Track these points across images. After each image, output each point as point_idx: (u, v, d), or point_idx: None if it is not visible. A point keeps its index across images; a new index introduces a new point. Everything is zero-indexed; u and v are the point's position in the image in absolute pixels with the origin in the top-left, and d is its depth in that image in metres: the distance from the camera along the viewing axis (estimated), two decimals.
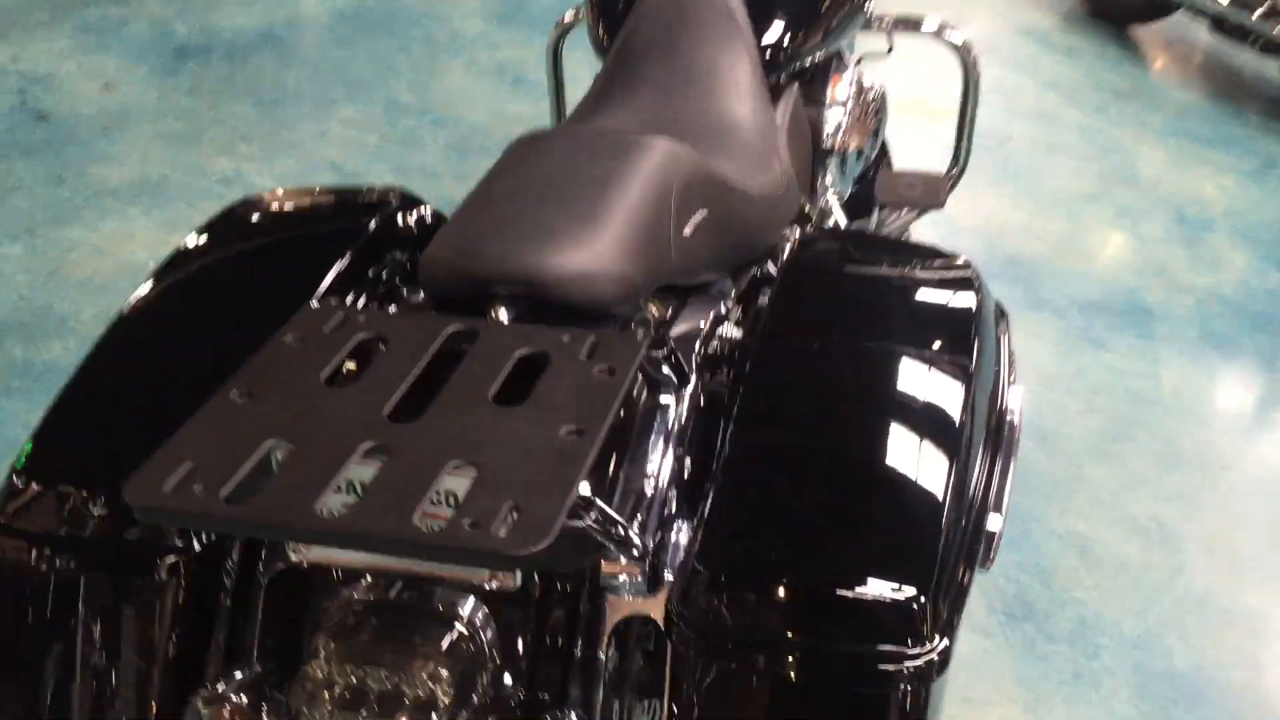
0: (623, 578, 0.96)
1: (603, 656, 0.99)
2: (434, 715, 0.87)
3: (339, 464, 0.81)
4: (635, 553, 0.94)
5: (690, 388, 1.09)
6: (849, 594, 0.88)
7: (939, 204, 2.20)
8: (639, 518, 0.99)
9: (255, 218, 1.33)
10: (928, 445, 1.00)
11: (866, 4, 1.93)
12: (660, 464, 1.04)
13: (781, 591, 0.88)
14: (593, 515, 0.87)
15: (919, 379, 1.07)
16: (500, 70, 3.70)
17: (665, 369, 1.06)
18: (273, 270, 1.26)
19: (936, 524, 0.93)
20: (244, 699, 0.98)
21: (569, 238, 1.05)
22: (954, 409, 1.04)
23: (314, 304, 1.04)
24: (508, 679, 0.97)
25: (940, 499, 0.95)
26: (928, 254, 1.27)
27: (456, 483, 0.81)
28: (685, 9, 1.62)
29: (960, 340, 1.11)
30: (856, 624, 0.87)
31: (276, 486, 0.79)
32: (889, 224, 2.37)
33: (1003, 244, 3.41)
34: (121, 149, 2.85)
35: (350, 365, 0.97)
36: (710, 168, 1.27)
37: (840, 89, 1.91)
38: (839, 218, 2.02)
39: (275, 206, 1.36)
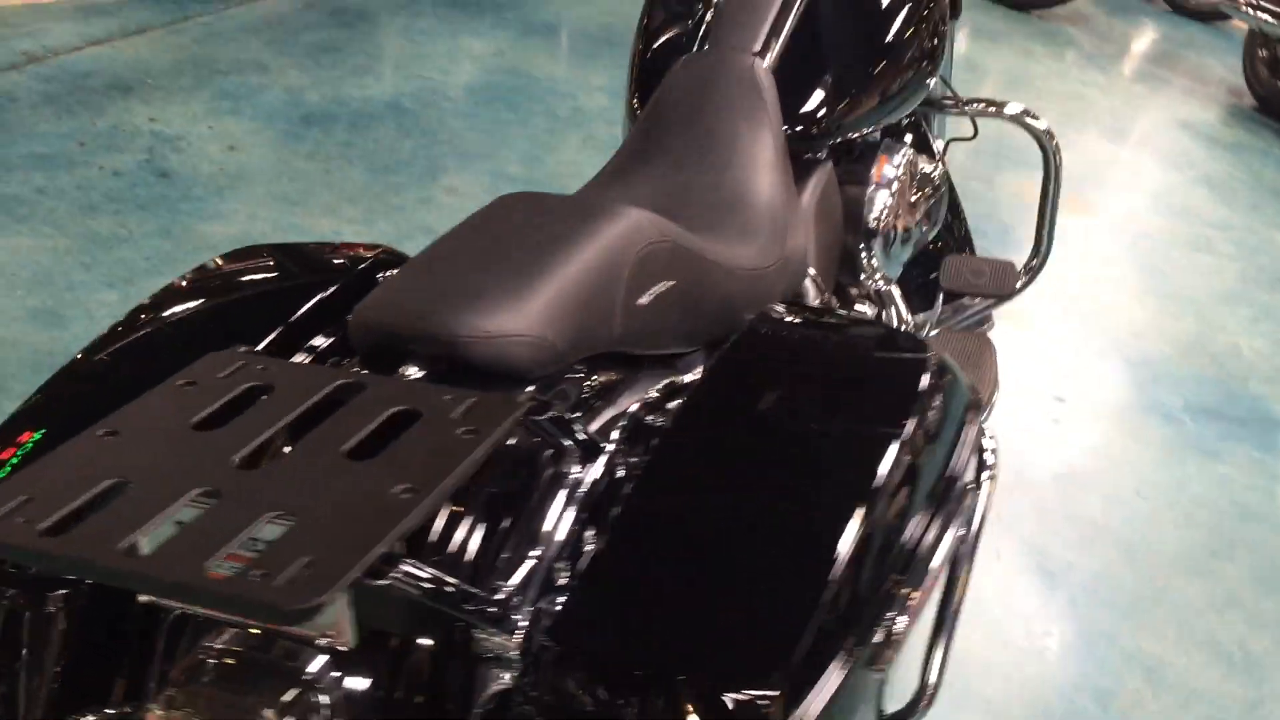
0: (495, 649, 0.92)
1: None
2: None
3: (164, 506, 0.80)
4: (505, 625, 0.90)
5: (604, 458, 1.05)
6: (695, 688, 0.82)
7: (1007, 293, 2.10)
8: (511, 586, 0.95)
9: (235, 268, 1.35)
10: (827, 537, 0.93)
11: (926, 80, 1.86)
12: (553, 534, 1.00)
13: (622, 677, 0.83)
14: (427, 579, 0.83)
15: (837, 466, 1.00)
16: (614, 145, 3.71)
17: (569, 439, 1.03)
18: (235, 322, 1.27)
19: (810, 622, 0.86)
20: None
21: (491, 298, 1.03)
22: (866, 500, 0.96)
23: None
24: None
25: (820, 597, 0.88)
26: (888, 336, 1.19)
27: (278, 533, 0.79)
28: (711, 82, 1.61)
29: (893, 429, 1.04)
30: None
31: (92, 524, 0.78)
32: (967, 312, 2.28)
33: (1123, 343, 3.23)
34: (231, 207, 2.97)
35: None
36: (685, 240, 1.24)
37: (888, 169, 1.85)
38: (898, 303, 1.94)
39: (256, 258, 1.37)
